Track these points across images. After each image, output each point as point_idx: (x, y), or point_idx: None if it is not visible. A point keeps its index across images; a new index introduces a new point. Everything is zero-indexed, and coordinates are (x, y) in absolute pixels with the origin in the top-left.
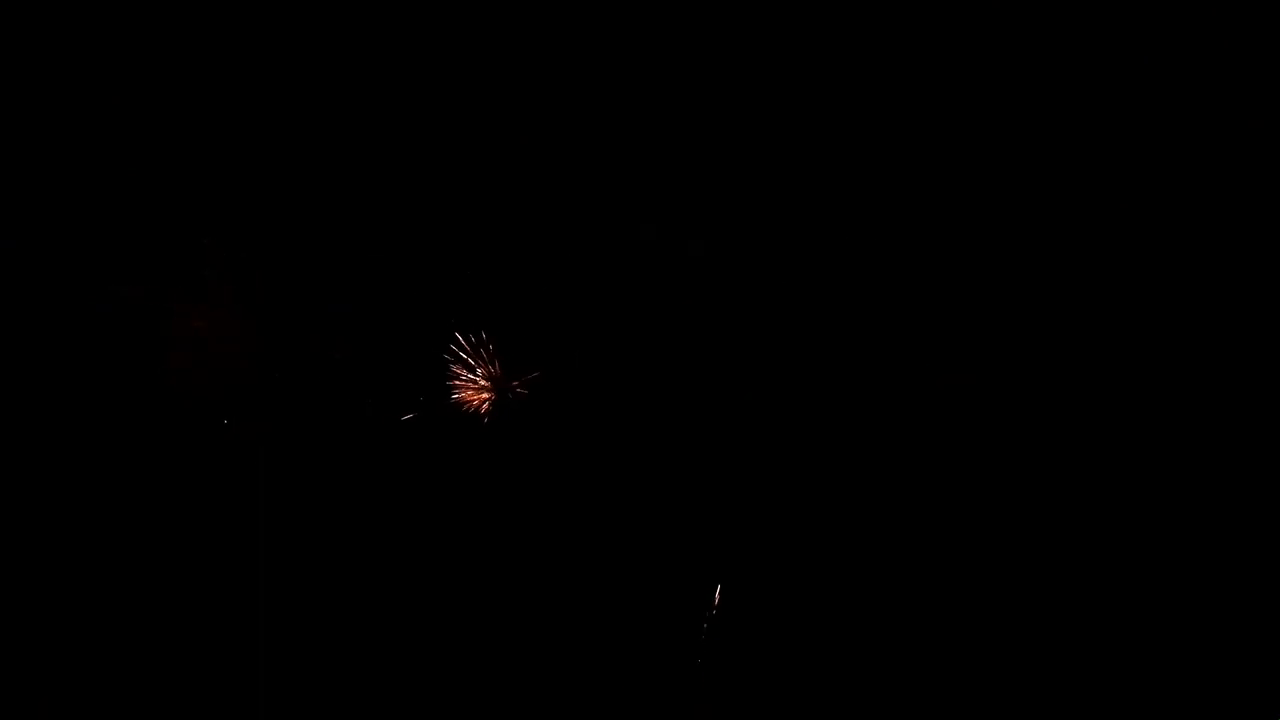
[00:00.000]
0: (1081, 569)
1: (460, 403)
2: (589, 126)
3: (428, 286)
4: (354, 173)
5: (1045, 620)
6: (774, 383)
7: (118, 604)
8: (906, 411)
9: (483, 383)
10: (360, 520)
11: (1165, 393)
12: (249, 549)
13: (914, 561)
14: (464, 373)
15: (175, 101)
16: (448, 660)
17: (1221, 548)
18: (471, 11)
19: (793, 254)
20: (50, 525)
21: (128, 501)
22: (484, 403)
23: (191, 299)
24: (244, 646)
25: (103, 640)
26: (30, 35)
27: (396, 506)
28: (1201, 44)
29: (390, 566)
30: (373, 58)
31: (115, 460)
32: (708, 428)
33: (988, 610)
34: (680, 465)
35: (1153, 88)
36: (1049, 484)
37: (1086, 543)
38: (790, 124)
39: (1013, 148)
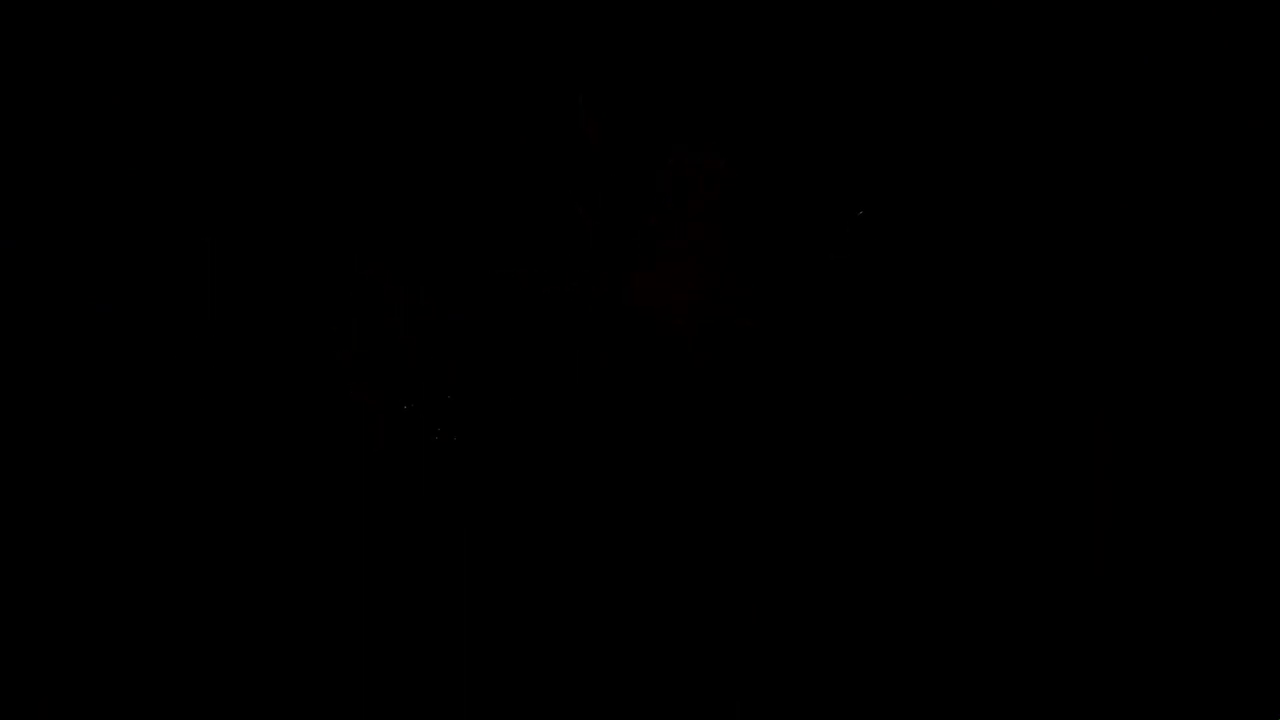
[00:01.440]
0: (1076, 569)
1: None
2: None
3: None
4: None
5: (1042, 620)
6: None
7: (116, 606)
8: (900, 413)
9: None
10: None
11: (1160, 393)
12: (247, 550)
13: (911, 564)
14: None
15: (176, 103)
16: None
17: (1220, 548)
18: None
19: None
20: (48, 527)
21: (125, 503)
22: None
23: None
24: (247, 645)
25: (102, 640)
26: (31, 34)
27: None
28: (1201, 44)
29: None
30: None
31: (115, 462)
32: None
33: (984, 611)
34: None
35: (1153, 87)
36: (1043, 484)
37: (1080, 542)
38: (787, 127)
39: (1009, 149)
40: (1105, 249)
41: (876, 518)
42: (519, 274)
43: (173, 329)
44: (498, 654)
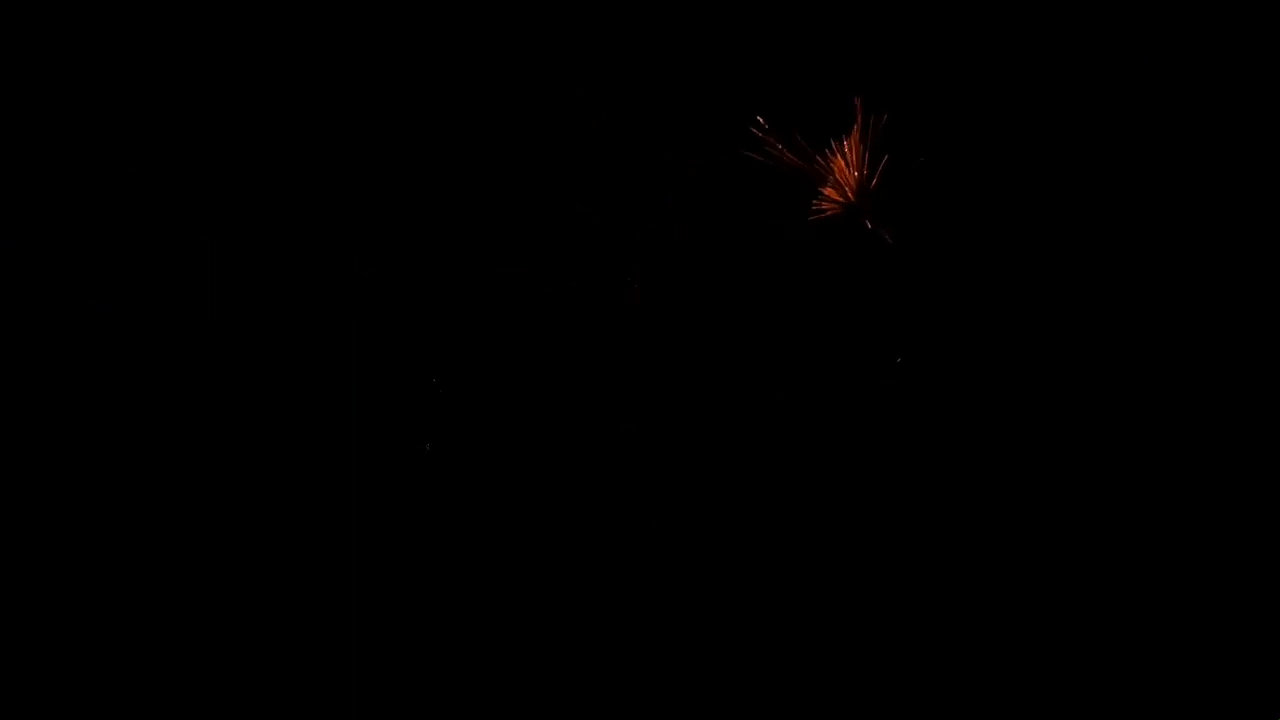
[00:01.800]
0: (1067, 570)
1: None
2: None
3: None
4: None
5: (1034, 622)
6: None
7: (113, 609)
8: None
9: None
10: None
11: (1155, 395)
12: (245, 551)
13: (898, 563)
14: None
15: (176, 101)
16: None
17: (1218, 549)
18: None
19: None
20: (47, 528)
21: (124, 506)
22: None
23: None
24: (254, 644)
25: (101, 641)
26: (32, 31)
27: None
28: (1202, 44)
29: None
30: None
31: (115, 464)
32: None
33: (975, 612)
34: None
35: (1153, 87)
36: (1029, 485)
37: (1070, 544)
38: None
39: (1004, 149)
40: (1100, 250)
41: (876, 517)
42: (519, 274)
43: (173, 329)
44: (497, 656)
